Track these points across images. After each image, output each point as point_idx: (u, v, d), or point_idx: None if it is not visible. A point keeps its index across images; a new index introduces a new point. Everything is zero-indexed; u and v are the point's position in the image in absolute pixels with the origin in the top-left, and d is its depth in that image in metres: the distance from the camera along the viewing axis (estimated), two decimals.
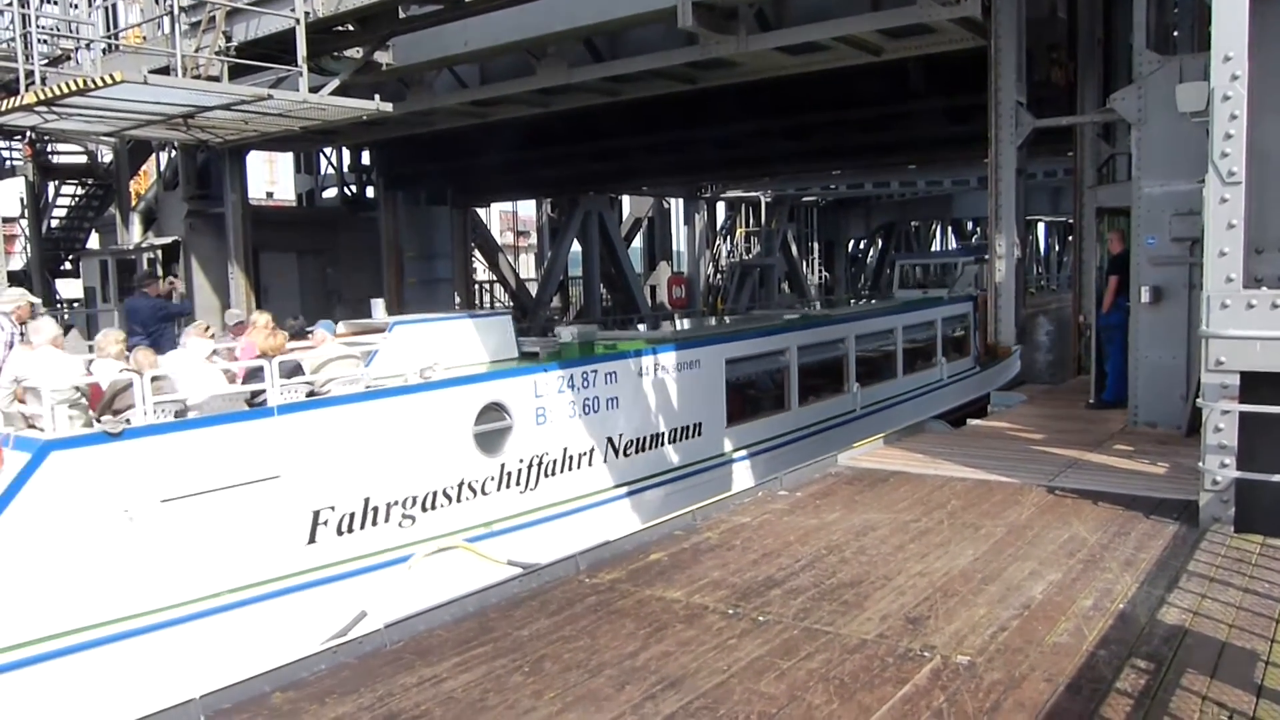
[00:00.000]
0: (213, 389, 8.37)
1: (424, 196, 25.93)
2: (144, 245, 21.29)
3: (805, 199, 38.36)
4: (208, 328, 9.70)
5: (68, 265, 24.34)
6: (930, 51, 12.95)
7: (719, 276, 35.85)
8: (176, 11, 12.07)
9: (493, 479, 10.11)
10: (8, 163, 22.01)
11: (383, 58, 13.93)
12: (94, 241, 24.52)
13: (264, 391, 8.48)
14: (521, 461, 10.38)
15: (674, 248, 36.08)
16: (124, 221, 21.85)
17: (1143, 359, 9.58)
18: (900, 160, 28.47)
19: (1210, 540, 5.86)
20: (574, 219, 30.28)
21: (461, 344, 10.70)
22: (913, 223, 43.96)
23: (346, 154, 26.30)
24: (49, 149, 22.23)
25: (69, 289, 25.18)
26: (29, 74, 12.09)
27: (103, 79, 10.67)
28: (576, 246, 31.21)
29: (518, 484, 10.38)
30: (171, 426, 7.95)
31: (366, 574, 8.82)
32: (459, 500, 9.79)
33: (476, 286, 30.93)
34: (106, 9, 17.16)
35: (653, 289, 33.24)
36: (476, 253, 30.07)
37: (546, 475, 10.69)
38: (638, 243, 34.95)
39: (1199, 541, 5.86)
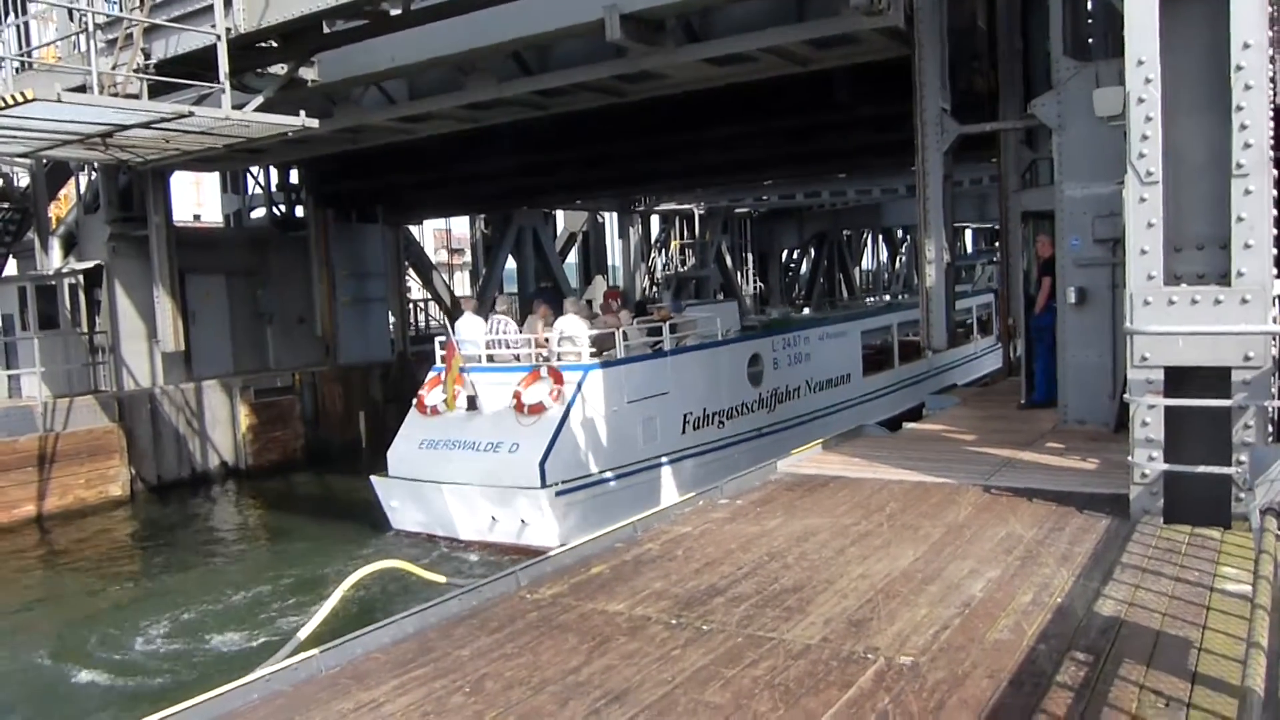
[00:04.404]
0: (637, 340, 14.56)
1: (355, 214, 25.58)
2: (64, 270, 20.68)
3: (738, 210, 38.59)
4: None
5: None
6: (856, 61, 13.12)
7: (655, 289, 35.91)
8: (92, 29, 11.75)
9: (755, 402, 16.37)
10: None
11: (308, 74, 13.69)
12: (11, 268, 23.75)
13: (661, 341, 14.74)
14: (768, 392, 16.66)
15: (609, 261, 36.08)
16: (43, 246, 21.20)
17: (1070, 359, 9.77)
18: (829, 169, 28.79)
19: (1141, 532, 5.98)
20: (508, 235, 30.15)
21: (714, 321, 16.44)
22: (844, 232, 44.43)
23: (275, 173, 25.87)
24: None
25: None
26: None
27: (13, 97, 10.33)
28: (511, 263, 31.05)
29: (766, 407, 16.62)
30: (629, 360, 14.04)
31: (706, 454, 14.87)
32: (740, 415, 15.92)
33: (411, 305, 30.59)
34: (19, 27, 16.68)
35: (589, 303, 33.17)
36: (410, 271, 29.75)
37: (780, 402, 17.00)
38: (573, 257, 34.88)
39: (1130, 534, 5.98)
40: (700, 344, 15.57)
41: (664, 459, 14.18)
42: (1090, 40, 10.01)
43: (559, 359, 13.67)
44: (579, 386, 13.13)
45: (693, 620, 5.04)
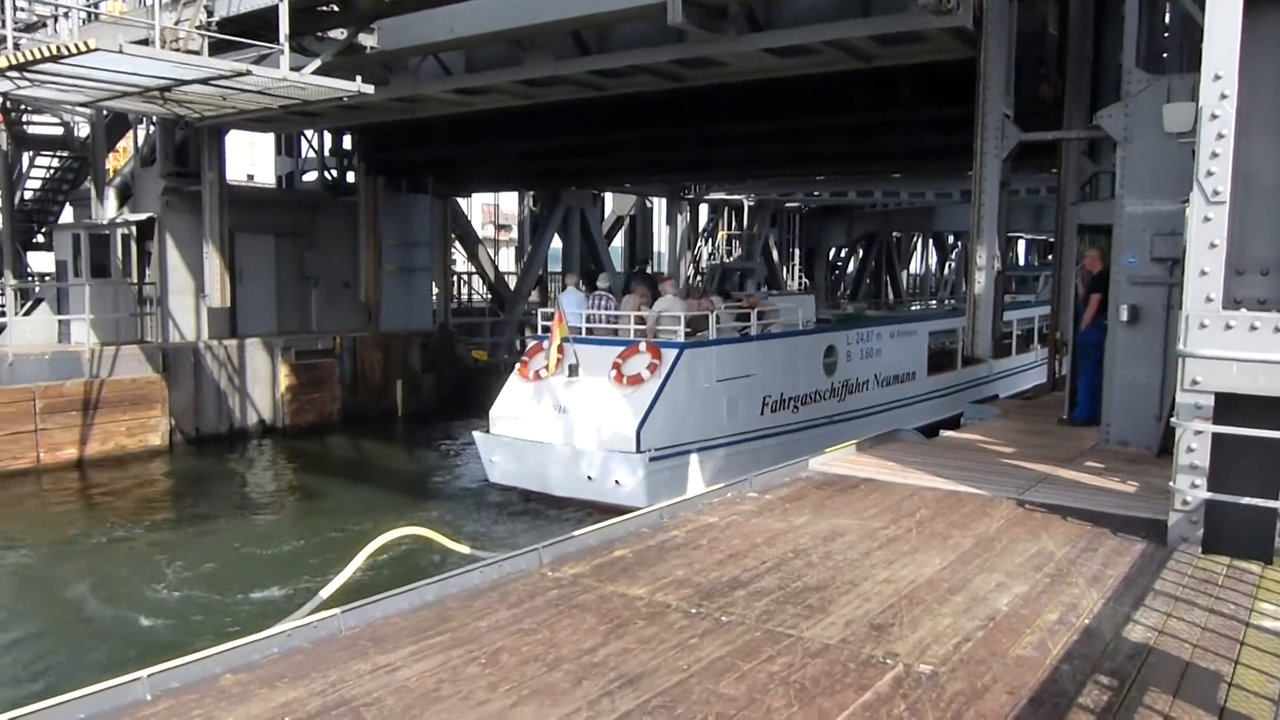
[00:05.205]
0: (725, 324, 15.44)
1: (405, 184, 25.69)
2: (118, 221, 20.97)
3: (788, 205, 38.31)
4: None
5: (40, 238, 23.99)
6: (920, 60, 12.91)
7: (699, 278, 35.80)
8: None
9: (829, 391, 17.18)
10: None
11: (367, 40, 13.77)
12: (68, 215, 24.13)
13: (748, 325, 15.69)
14: (840, 383, 17.44)
15: (655, 248, 35.98)
16: (99, 196, 21.47)
17: (1118, 377, 9.57)
18: (886, 169, 28.46)
19: (1178, 560, 5.84)
20: (555, 214, 30.14)
21: (795, 311, 17.25)
22: (894, 234, 43.98)
23: (328, 138, 26.05)
24: (24, 119, 21.85)
25: (41, 262, 24.82)
26: (2, 39, 11.87)
27: (77, 46, 10.46)
28: (557, 242, 31.07)
29: (837, 396, 17.38)
30: (717, 341, 14.89)
31: (782, 436, 15.64)
32: (814, 402, 16.73)
33: (455, 277, 30.71)
34: None
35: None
36: (456, 243, 29.86)
37: (850, 393, 17.73)
38: (619, 241, 34.82)
39: (1166, 560, 5.84)
40: (783, 332, 16.54)
41: (744, 437, 15.11)
42: (1165, 54, 9.77)
43: (655, 336, 14.70)
44: (674, 363, 14.10)
45: (712, 611, 5.00)
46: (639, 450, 13.61)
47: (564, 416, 14.48)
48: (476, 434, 15.66)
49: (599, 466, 13.91)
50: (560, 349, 14.56)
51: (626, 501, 12.73)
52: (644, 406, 13.81)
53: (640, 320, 14.97)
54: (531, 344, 15.82)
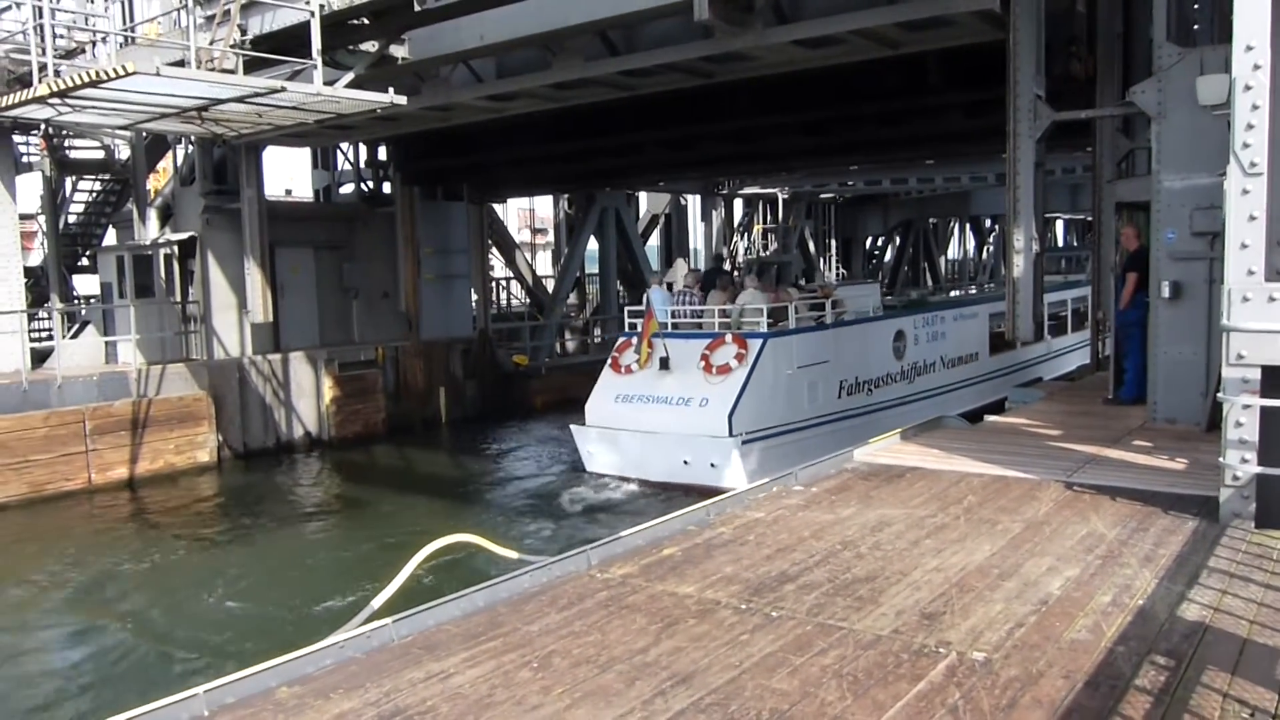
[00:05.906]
0: (803, 314, 16.28)
1: (441, 192, 25.86)
2: (161, 241, 21.33)
3: (823, 196, 38.11)
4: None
5: (85, 261, 24.44)
6: (948, 45, 12.83)
7: (736, 274, 35.75)
8: (191, 5, 12.06)
9: (899, 374, 18.05)
10: (24, 158, 22.06)
11: (398, 52, 13.90)
12: (111, 237, 24.54)
13: (824, 314, 16.57)
14: (909, 365, 18.33)
15: (691, 245, 35.95)
16: (141, 217, 21.86)
17: (1162, 355, 9.47)
18: (918, 155, 28.25)
19: (1230, 536, 5.78)
20: (591, 216, 30.21)
21: (862, 298, 18.37)
22: (930, 220, 43.61)
23: (363, 150, 26.30)
24: (65, 144, 22.28)
25: (86, 285, 25.29)
26: (42, 66, 12.14)
27: (115, 70, 10.69)
28: (593, 244, 31.16)
29: (906, 378, 18.27)
30: (799, 330, 15.89)
31: (857, 418, 16.34)
32: (885, 385, 17.59)
33: (494, 283, 30.87)
34: (123, 3, 17.21)
35: (669, 285, 33.13)
36: (493, 249, 30.01)
37: (919, 374, 18.67)
38: (655, 239, 34.82)
39: (1219, 537, 5.78)
40: (855, 319, 17.50)
41: (824, 419, 16.04)
42: (1195, 26, 9.64)
43: (739, 328, 15.59)
44: (759, 352, 15.03)
45: (762, 606, 5.02)
46: (731, 434, 14.43)
47: (657, 406, 15.30)
48: (574, 427, 16.47)
49: (694, 452, 14.73)
50: (650, 343, 15.53)
51: (722, 483, 13.55)
52: (734, 393, 14.64)
53: (724, 313, 15.82)
54: (621, 340, 16.82)
